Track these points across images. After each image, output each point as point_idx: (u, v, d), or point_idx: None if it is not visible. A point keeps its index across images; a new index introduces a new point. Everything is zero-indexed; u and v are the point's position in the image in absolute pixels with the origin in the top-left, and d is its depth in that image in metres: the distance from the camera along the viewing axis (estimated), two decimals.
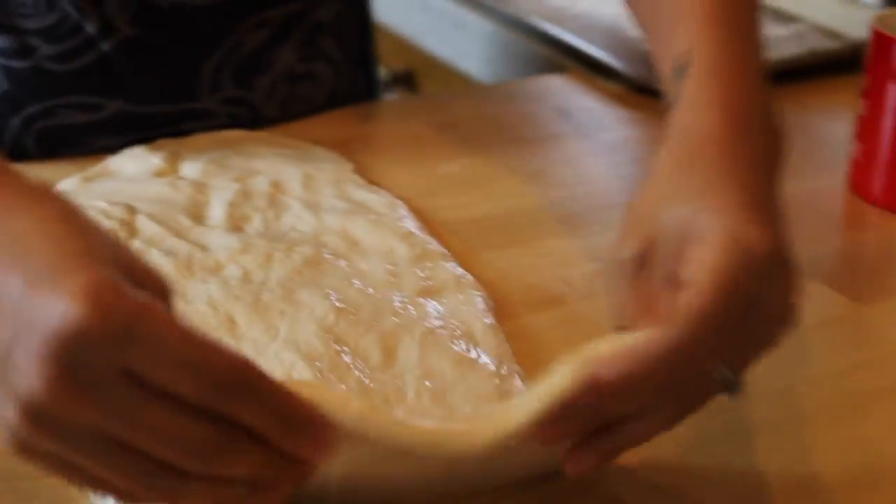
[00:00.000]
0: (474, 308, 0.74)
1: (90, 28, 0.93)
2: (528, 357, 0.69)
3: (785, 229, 0.59)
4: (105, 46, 0.93)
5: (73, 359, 0.45)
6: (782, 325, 0.58)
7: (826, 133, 1.06)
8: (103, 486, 0.49)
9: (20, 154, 0.95)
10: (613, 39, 1.19)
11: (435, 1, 1.37)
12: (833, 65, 1.16)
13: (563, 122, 1.06)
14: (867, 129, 0.92)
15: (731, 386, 0.57)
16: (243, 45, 0.97)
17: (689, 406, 0.57)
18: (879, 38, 0.91)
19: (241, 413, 0.47)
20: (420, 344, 0.70)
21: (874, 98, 0.91)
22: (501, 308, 0.75)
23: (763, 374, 0.60)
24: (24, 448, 0.48)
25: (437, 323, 0.72)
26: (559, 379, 0.54)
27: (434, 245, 0.81)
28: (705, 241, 0.56)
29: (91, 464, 0.48)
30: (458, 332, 0.71)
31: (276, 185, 0.88)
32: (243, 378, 0.47)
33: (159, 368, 0.46)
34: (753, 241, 0.56)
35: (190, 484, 0.48)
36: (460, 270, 0.78)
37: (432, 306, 0.74)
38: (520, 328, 0.74)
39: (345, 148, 0.95)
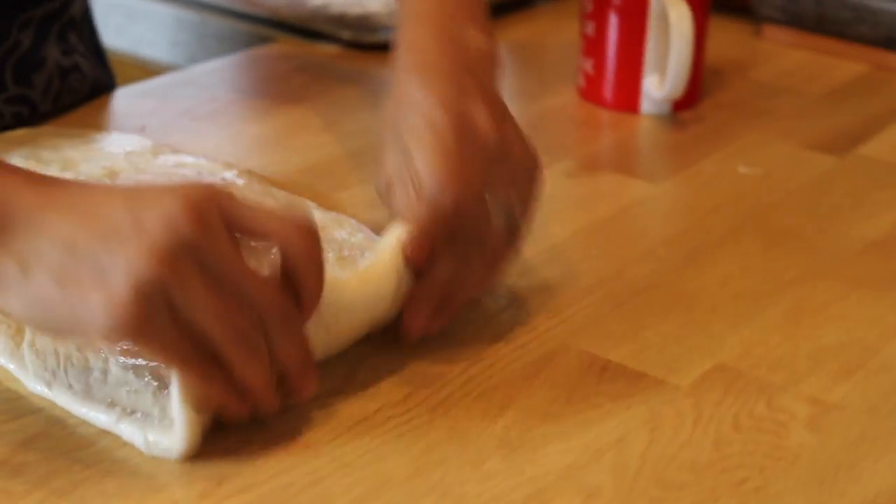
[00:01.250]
0: (365, 235, 0.82)
1: None
2: None
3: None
4: None
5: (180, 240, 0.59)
6: (531, 174, 0.76)
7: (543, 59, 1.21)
8: (176, 355, 0.61)
9: None
10: (299, 8, 1.28)
11: None
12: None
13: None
14: (595, 47, 1.07)
15: (513, 228, 0.74)
16: (20, 44, 0.99)
17: (491, 255, 0.73)
18: None
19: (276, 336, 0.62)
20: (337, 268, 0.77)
21: (599, 20, 1.06)
22: None
23: None
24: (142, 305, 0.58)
25: (345, 252, 0.80)
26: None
27: (292, 195, 0.88)
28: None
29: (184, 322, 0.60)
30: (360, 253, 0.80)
31: (110, 170, 0.91)
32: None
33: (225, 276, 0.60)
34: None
35: (221, 373, 0.62)
36: (332, 213, 0.86)
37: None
38: None
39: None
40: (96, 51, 1.11)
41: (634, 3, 1.04)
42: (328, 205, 0.87)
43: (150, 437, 0.64)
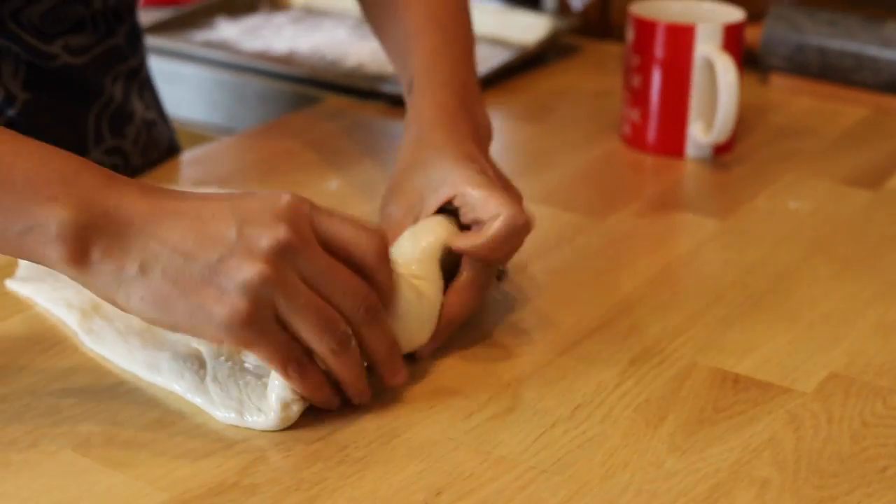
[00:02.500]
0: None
1: None
2: None
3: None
4: (10, 112, 1.00)
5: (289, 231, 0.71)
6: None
7: (573, 111, 1.30)
8: (278, 352, 0.72)
9: None
10: (336, 68, 1.36)
11: None
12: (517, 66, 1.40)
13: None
14: (641, 98, 1.17)
15: (501, 276, 0.90)
16: (113, 98, 1.07)
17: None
18: (641, 24, 1.15)
19: (364, 329, 0.74)
20: None
21: (645, 73, 1.16)
22: None
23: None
24: (256, 317, 0.70)
25: None
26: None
27: None
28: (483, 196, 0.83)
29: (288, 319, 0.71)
30: None
31: None
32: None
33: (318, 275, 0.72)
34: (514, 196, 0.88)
35: (316, 368, 0.73)
36: None
37: None
38: None
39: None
40: (161, 109, 1.18)
41: (680, 58, 1.14)
42: None
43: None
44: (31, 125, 1.00)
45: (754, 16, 1.20)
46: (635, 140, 1.19)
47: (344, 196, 1.07)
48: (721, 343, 0.85)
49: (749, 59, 1.36)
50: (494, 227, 0.82)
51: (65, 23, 1.01)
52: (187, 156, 1.17)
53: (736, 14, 1.17)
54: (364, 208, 1.03)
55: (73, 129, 1.04)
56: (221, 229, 0.70)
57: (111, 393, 0.78)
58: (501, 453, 0.73)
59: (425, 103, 0.93)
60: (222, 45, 1.42)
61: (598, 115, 1.27)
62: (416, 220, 0.86)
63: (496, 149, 1.18)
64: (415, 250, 0.83)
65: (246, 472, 0.71)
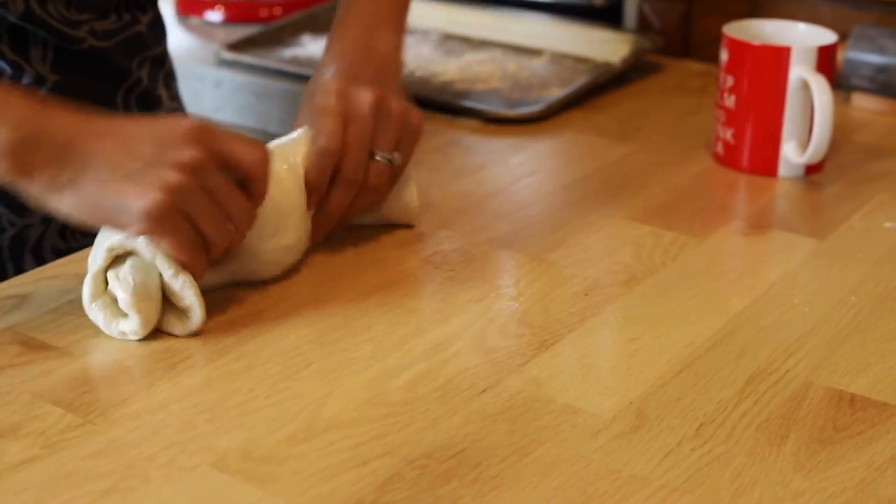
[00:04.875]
0: None
1: (27, 79, 1.04)
2: None
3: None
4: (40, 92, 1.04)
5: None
6: (410, 127, 1.01)
7: (663, 131, 1.32)
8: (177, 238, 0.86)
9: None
10: (427, 84, 1.38)
11: (197, 69, 1.48)
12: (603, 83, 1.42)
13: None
14: (736, 118, 1.18)
15: (393, 160, 1.00)
16: (141, 81, 1.11)
17: (373, 184, 1.00)
18: (735, 45, 1.17)
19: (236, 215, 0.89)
20: None
21: (739, 94, 1.17)
22: None
23: None
24: (167, 208, 0.84)
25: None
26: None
27: None
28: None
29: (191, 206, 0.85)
30: None
31: None
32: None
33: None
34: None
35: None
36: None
37: None
38: None
39: None
40: (182, 103, 1.22)
41: (775, 79, 1.15)
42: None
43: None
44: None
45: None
46: (728, 159, 1.20)
47: (442, 213, 1.09)
48: (833, 362, 0.87)
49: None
50: (309, 159, 0.97)
51: (89, 10, 1.05)
52: None
53: (829, 36, 1.19)
54: (466, 226, 1.05)
55: (104, 108, 1.06)
56: (143, 147, 0.84)
57: (243, 408, 0.80)
58: (631, 472, 0.75)
59: (330, 41, 1.07)
60: (311, 62, 1.44)
61: (686, 133, 1.29)
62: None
63: (588, 168, 1.21)
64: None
65: (383, 489, 0.73)
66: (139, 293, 0.86)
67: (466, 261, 1.00)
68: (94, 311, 0.88)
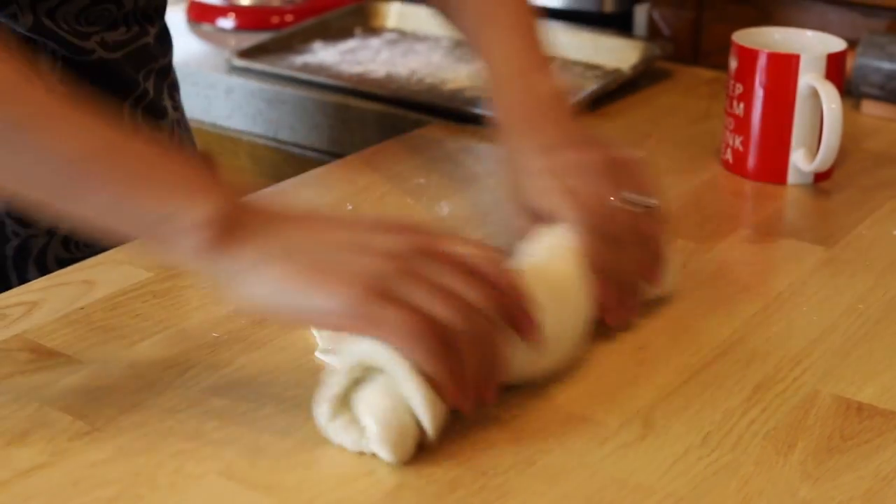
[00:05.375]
0: None
1: None
2: None
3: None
4: None
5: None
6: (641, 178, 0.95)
7: (672, 137, 1.32)
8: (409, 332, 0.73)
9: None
10: (437, 91, 1.38)
11: (209, 76, 1.49)
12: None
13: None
14: (744, 125, 1.18)
15: (645, 202, 0.93)
16: (148, 92, 1.11)
17: (643, 247, 0.92)
18: (744, 52, 1.17)
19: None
20: None
21: (748, 101, 1.17)
22: None
23: None
24: (379, 291, 0.73)
25: None
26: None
27: None
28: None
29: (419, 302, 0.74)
30: None
31: None
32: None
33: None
34: None
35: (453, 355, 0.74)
36: None
37: None
38: None
39: None
40: (184, 114, 1.21)
41: (784, 86, 1.15)
42: None
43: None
44: None
45: (846, 42, 1.21)
46: (737, 166, 1.20)
47: (456, 221, 1.09)
48: (841, 371, 0.87)
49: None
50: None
51: (98, 23, 1.05)
52: (297, 180, 1.19)
53: (838, 43, 1.19)
54: (475, 235, 1.05)
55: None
56: (342, 232, 0.77)
57: (251, 416, 0.80)
58: (638, 481, 0.75)
59: (502, 103, 1.01)
60: (321, 69, 1.45)
61: (694, 140, 1.29)
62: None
63: None
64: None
65: (390, 497, 0.73)
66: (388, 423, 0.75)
67: None
68: (337, 433, 0.77)
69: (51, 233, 1.05)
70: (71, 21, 1.03)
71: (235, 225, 0.76)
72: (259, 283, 0.75)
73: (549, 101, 1.00)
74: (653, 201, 0.93)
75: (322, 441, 0.77)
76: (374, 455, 0.75)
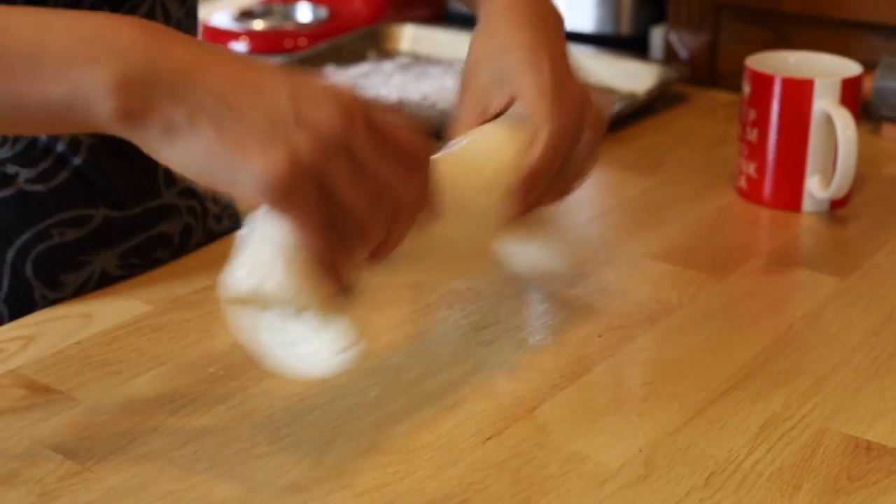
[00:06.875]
0: None
1: (60, 146, 0.98)
2: None
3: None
4: (76, 161, 0.99)
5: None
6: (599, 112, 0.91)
7: (685, 164, 1.30)
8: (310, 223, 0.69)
9: (21, 287, 0.99)
10: None
11: None
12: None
13: None
14: (758, 152, 1.16)
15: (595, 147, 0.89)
16: None
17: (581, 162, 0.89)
18: (757, 77, 1.15)
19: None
20: None
21: (762, 127, 1.15)
22: None
23: None
24: (303, 172, 0.67)
25: None
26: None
27: None
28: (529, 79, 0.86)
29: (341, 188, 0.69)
30: None
31: None
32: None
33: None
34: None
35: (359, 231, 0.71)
36: None
37: None
38: None
39: None
40: None
41: (798, 112, 1.13)
42: None
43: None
44: (98, 171, 1.00)
45: (865, 65, 1.19)
46: (751, 193, 1.18)
47: None
48: (851, 408, 0.85)
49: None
50: (537, 147, 0.85)
51: None
52: None
53: (853, 68, 1.16)
54: None
55: (143, 172, 1.04)
56: (275, 95, 0.69)
57: (244, 455, 0.78)
58: None
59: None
60: None
61: (710, 166, 1.27)
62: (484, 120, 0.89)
63: (609, 203, 1.19)
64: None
65: None
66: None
67: (479, 300, 0.98)
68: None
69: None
70: None
71: (149, 83, 0.67)
72: (187, 151, 0.68)
73: (548, 14, 0.94)
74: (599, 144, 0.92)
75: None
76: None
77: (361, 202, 0.70)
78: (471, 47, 0.92)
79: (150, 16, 1.01)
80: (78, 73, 0.67)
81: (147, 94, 0.67)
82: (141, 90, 0.67)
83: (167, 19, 1.03)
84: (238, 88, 0.68)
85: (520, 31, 0.89)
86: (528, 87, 0.86)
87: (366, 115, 0.70)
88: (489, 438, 0.80)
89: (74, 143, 0.99)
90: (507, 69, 0.88)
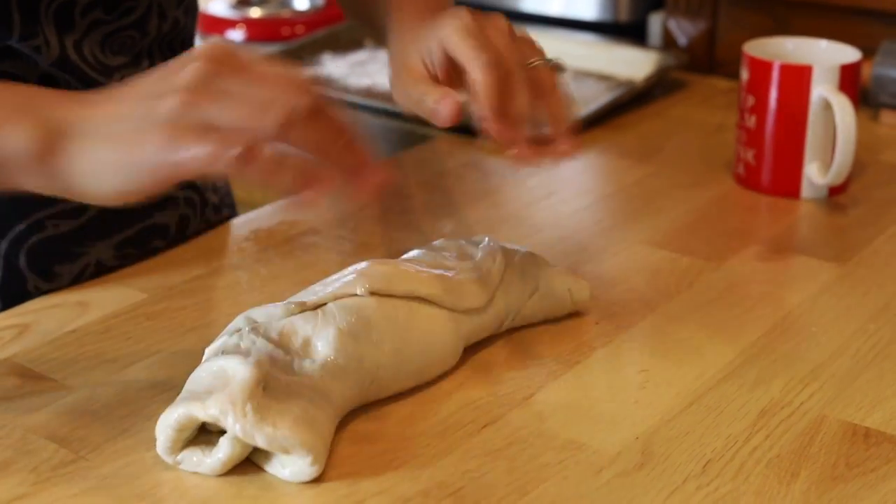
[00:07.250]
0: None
1: None
2: None
3: None
4: None
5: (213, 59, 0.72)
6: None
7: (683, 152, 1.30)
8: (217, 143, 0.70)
9: (14, 278, 0.99)
10: None
11: None
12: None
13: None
14: (756, 138, 1.16)
15: (550, 63, 0.89)
16: None
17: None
18: (755, 63, 1.15)
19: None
20: None
21: (760, 114, 1.15)
22: None
23: None
24: (187, 126, 0.71)
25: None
26: None
27: None
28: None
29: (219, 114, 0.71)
30: None
31: None
32: None
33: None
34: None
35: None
36: None
37: None
38: None
39: None
40: None
41: (796, 98, 1.13)
42: None
43: None
44: None
45: (863, 51, 1.18)
46: (749, 180, 1.17)
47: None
48: (849, 395, 0.84)
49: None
50: (476, 79, 0.86)
51: (123, 52, 1.01)
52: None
53: (852, 54, 1.16)
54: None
55: None
56: (141, 86, 0.74)
57: None
58: None
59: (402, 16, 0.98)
60: (331, 81, 1.43)
61: (708, 153, 1.27)
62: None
63: (607, 190, 1.19)
64: None
65: None
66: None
67: None
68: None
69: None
70: (96, 51, 0.99)
71: (52, 140, 0.74)
72: (95, 180, 0.73)
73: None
74: (559, 60, 0.90)
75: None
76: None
77: (256, 115, 0.71)
78: (392, 49, 0.97)
79: (146, 17, 1.02)
80: (6, 135, 0.74)
81: (55, 146, 0.73)
82: (51, 144, 0.73)
83: (162, 20, 1.03)
84: (114, 103, 0.74)
85: (434, 16, 0.91)
86: (451, 32, 0.87)
87: (233, 60, 0.72)
88: (486, 426, 0.80)
89: None
90: (431, 33, 0.89)
